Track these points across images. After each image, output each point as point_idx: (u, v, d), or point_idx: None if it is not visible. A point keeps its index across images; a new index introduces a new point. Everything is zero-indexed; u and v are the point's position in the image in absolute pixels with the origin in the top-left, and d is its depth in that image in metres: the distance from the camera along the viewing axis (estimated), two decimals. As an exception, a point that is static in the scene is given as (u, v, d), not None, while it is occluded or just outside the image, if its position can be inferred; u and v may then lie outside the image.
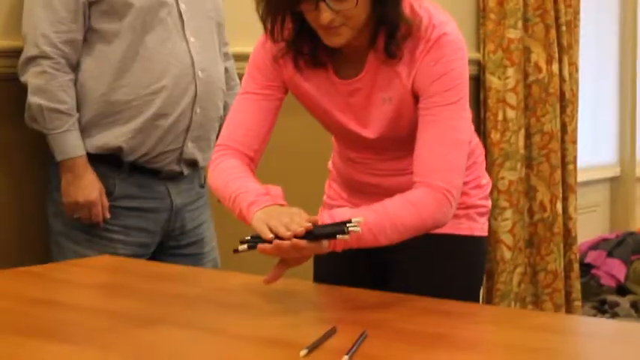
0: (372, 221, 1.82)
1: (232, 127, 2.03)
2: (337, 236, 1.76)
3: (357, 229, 1.76)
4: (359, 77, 1.96)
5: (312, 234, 1.75)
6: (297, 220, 1.76)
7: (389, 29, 1.89)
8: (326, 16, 1.83)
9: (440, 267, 2.12)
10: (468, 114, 1.95)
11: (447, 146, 1.89)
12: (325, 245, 1.79)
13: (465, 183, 2.05)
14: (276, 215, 1.78)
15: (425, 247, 2.03)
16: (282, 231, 1.74)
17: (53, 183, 2.66)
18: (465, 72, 1.93)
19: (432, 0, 1.98)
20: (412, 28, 1.89)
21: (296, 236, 1.73)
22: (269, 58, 2.01)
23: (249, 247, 1.76)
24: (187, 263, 2.74)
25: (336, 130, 2.08)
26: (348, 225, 1.76)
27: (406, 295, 1.91)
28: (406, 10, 1.90)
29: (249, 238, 1.77)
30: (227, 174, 1.96)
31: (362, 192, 2.13)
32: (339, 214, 1.82)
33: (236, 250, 1.77)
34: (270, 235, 1.74)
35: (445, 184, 1.87)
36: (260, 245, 1.74)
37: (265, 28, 1.93)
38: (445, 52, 1.90)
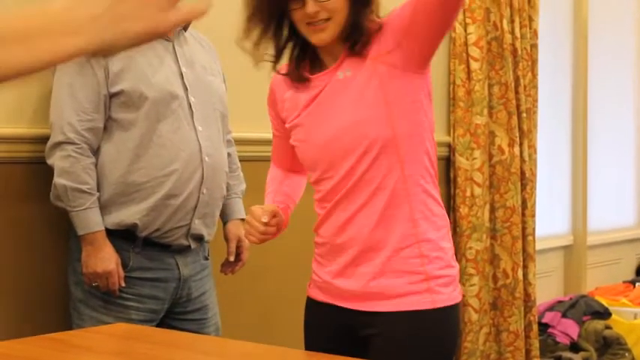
0: None
1: (275, 159, 2.32)
2: None
3: None
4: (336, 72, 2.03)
5: None
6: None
7: (359, 32, 1.96)
8: (311, 6, 1.89)
9: (411, 342, 2.02)
10: None
11: None
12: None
13: (428, 240, 1.99)
14: None
15: (396, 326, 1.98)
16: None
17: (74, 254, 2.65)
18: None
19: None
20: (374, 30, 1.97)
21: None
22: (271, 101, 2.18)
23: None
24: (192, 327, 2.72)
25: (313, 156, 2.07)
26: None
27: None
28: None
29: None
30: (270, 183, 2.30)
31: (339, 248, 2.07)
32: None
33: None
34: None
35: None
36: None
37: (261, 36, 1.98)
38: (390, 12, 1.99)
